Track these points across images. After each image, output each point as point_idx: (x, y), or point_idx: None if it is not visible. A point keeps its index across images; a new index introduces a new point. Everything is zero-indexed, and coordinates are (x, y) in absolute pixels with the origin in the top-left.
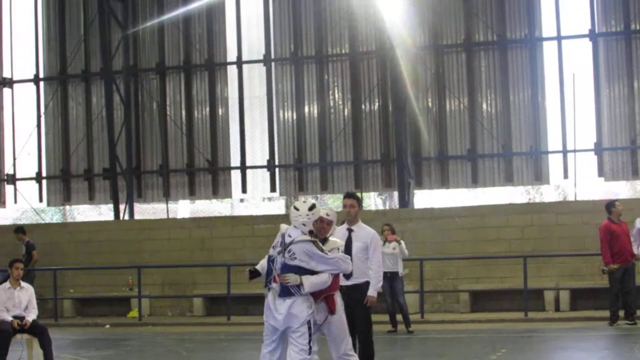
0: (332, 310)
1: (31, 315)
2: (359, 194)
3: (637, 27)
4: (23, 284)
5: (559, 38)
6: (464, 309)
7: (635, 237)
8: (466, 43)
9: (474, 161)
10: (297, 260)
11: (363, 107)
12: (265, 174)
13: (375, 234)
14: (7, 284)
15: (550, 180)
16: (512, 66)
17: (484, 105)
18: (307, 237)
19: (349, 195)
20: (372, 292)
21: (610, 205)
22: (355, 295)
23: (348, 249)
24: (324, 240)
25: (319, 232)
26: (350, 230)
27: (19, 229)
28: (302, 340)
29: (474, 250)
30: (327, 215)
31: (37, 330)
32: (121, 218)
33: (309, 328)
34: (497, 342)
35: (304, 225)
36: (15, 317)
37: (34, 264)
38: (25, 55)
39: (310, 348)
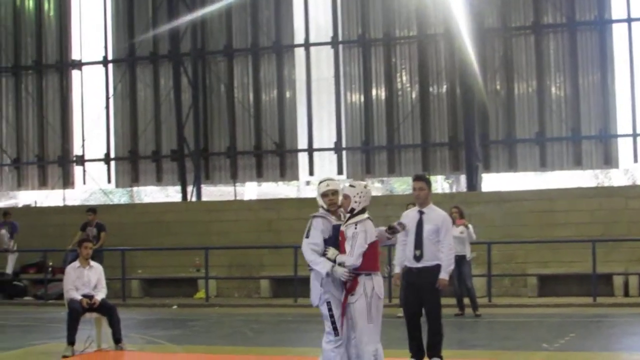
0: (349, 290)
1: (100, 295)
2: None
3: None
4: (92, 263)
5: (629, 20)
6: (531, 293)
7: None
8: (535, 25)
9: (542, 144)
10: None
11: (431, 89)
12: (333, 156)
13: (446, 216)
14: (76, 263)
15: (620, 164)
16: (582, 49)
17: (553, 88)
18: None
19: (418, 178)
20: (443, 275)
21: None
22: (425, 277)
23: (419, 232)
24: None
25: (330, 205)
26: (421, 213)
27: (91, 210)
28: (326, 322)
29: (542, 234)
30: (328, 185)
31: (105, 309)
32: (188, 200)
33: (329, 309)
34: (565, 326)
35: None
36: (84, 296)
37: (101, 244)
38: (94, 38)
39: (335, 330)
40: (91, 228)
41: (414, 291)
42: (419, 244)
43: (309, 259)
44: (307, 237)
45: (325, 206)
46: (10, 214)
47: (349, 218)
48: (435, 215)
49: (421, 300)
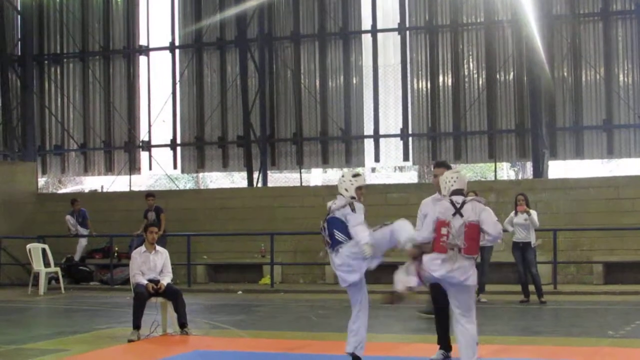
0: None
1: (166, 279)
2: (489, 165)
3: None
4: (158, 248)
5: None
6: (597, 281)
7: None
8: (603, 12)
9: (609, 132)
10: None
11: (497, 76)
12: (399, 142)
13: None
14: (142, 248)
15: None
16: None
17: (621, 76)
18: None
19: (439, 164)
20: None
21: None
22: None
23: None
24: None
25: (359, 199)
26: (351, 205)
27: (149, 195)
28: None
29: (608, 222)
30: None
31: (171, 294)
32: (254, 186)
33: None
34: (631, 314)
35: (346, 190)
36: (150, 280)
37: (163, 228)
38: (161, 24)
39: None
40: (151, 212)
41: None
42: None
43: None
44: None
45: (354, 195)
46: (78, 202)
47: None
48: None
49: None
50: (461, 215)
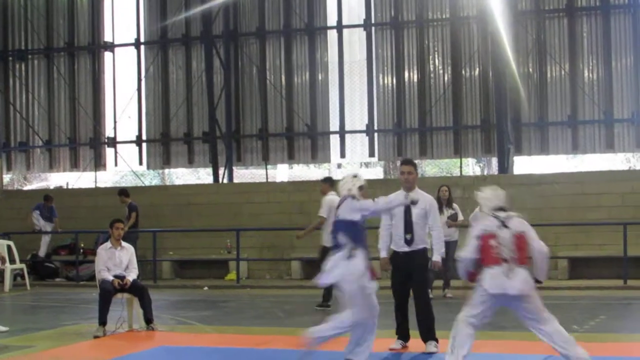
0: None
1: (131, 275)
2: (455, 161)
3: None
4: (124, 244)
5: None
6: (562, 276)
7: None
8: (568, 8)
9: (574, 127)
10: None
11: (463, 72)
12: (364, 138)
13: (432, 200)
14: (108, 244)
15: None
16: (615, 32)
17: (586, 72)
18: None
19: (407, 162)
20: (437, 257)
21: None
22: (415, 260)
23: (408, 216)
24: None
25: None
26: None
27: (122, 192)
28: None
29: (574, 217)
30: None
31: (137, 290)
32: (220, 182)
33: None
34: (595, 308)
35: (349, 190)
36: (116, 276)
37: (130, 224)
38: (127, 20)
39: None
40: (125, 208)
41: (402, 275)
42: (409, 227)
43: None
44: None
45: (355, 194)
46: (51, 199)
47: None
48: (423, 199)
49: (409, 283)
50: (507, 227)
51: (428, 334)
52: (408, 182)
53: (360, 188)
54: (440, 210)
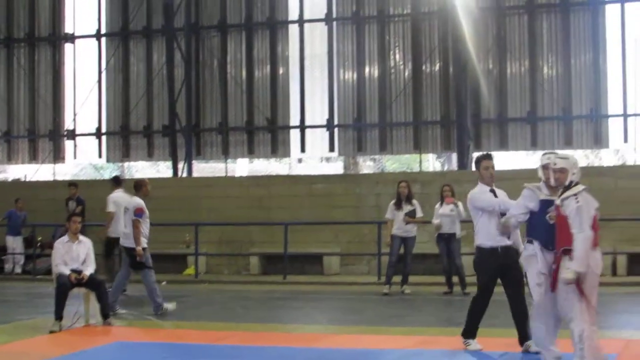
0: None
1: (88, 270)
2: (415, 156)
3: None
4: (81, 237)
5: (622, 0)
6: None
7: None
8: (528, 5)
9: (533, 124)
10: None
11: (423, 68)
12: (325, 133)
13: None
14: (65, 238)
15: (610, 144)
16: (574, 29)
17: (545, 68)
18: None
19: (489, 157)
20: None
21: None
22: (512, 256)
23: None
24: None
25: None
26: (493, 191)
27: (72, 184)
28: None
29: None
30: (548, 158)
31: (94, 285)
32: (179, 176)
33: None
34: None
35: None
36: (73, 270)
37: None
38: (88, 11)
39: None
40: (72, 202)
41: (497, 272)
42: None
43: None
44: None
45: (543, 178)
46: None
47: (562, 192)
48: (503, 194)
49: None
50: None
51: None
52: (493, 177)
53: (485, 169)
54: (399, 206)
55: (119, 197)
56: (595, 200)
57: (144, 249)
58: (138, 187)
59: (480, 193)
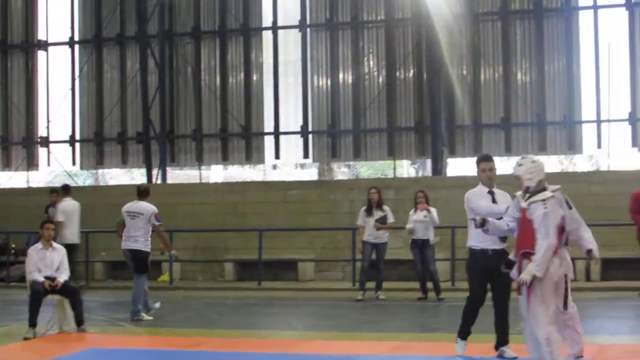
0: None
1: (62, 276)
2: (390, 162)
3: None
4: (55, 244)
5: (595, 7)
6: None
7: None
8: (502, 11)
9: (507, 130)
10: None
11: (398, 74)
12: (299, 140)
13: (510, 199)
14: (39, 245)
15: (584, 149)
16: (548, 35)
17: (519, 74)
18: None
19: (487, 158)
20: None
21: None
22: (501, 260)
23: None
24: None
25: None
26: (492, 193)
27: (54, 190)
28: None
29: None
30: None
31: (68, 292)
32: (154, 182)
33: None
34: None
35: None
36: (46, 277)
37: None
38: (61, 18)
39: None
40: (53, 209)
41: (486, 274)
42: None
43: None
44: None
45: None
46: None
47: (530, 197)
48: (503, 196)
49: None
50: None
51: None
52: (491, 179)
53: (482, 171)
54: (370, 213)
55: (69, 206)
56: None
57: (148, 253)
58: (147, 193)
59: (476, 195)
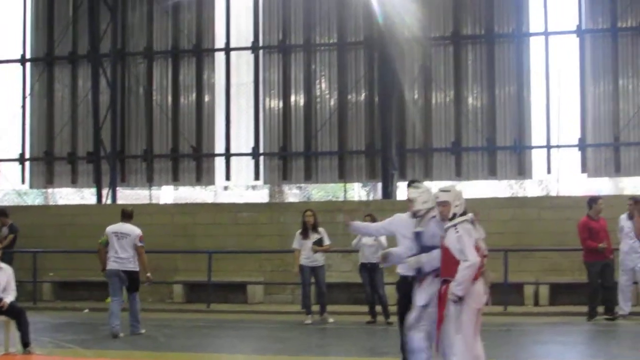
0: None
1: (9, 297)
2: (341, 185)
3: (624, 25)
4: (2, 265)
5: (546, 34)
6: None
7: (622, 235)
8: (454, 36)
9: (458, 154)
10: None
11: (349, 97)
12: (250, 161)
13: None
14: None
15: (534, 175)
16: (499, 60)
17: (470, 99)
18: None
19: (409, 184)
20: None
21: (592, 201)
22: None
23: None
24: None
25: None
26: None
27: (1, 212)
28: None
29: None
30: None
31: (14, 312)
32: (104, 202)
33: None
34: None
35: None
36: None
37: (6, 244)
38: (12, 35)
39: None
40: (5, 228)
41: (408, 301)
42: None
43: None
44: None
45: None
46: None
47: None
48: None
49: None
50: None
51: None
52: (410, 206)
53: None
54: (306, 235)
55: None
56: (480, 231)
57: (137, 272)
58: (131, 215)
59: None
